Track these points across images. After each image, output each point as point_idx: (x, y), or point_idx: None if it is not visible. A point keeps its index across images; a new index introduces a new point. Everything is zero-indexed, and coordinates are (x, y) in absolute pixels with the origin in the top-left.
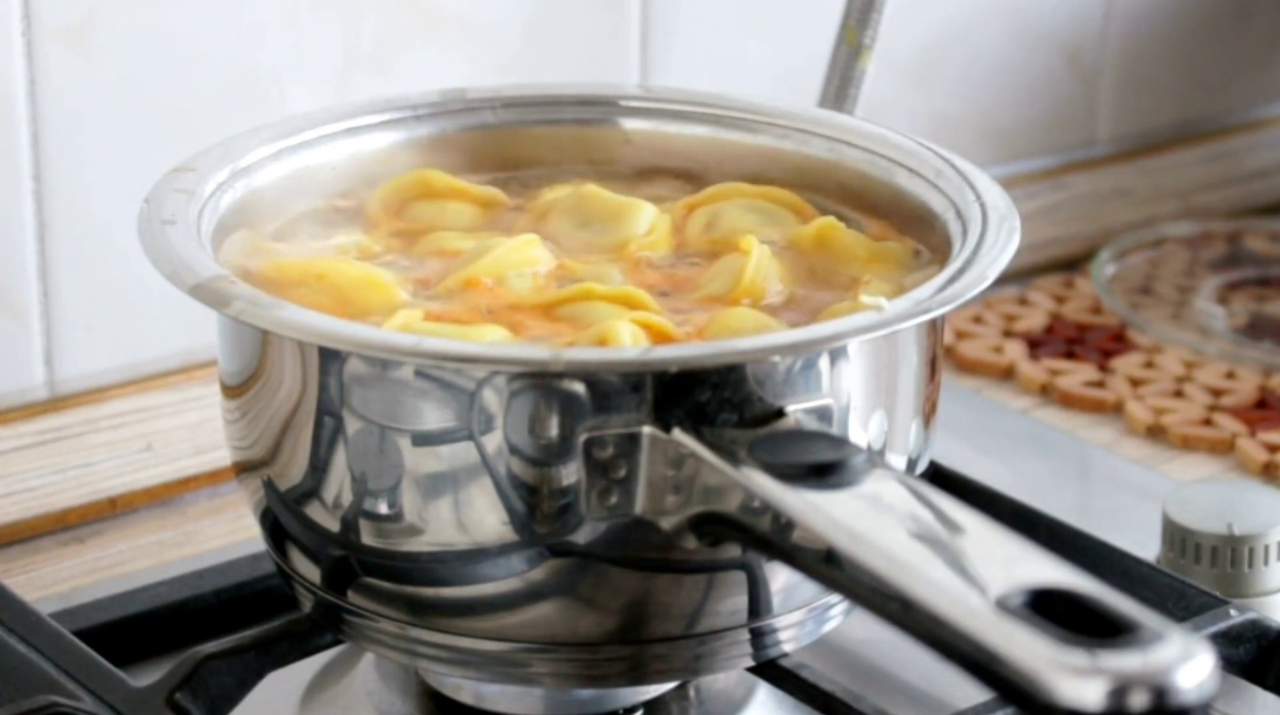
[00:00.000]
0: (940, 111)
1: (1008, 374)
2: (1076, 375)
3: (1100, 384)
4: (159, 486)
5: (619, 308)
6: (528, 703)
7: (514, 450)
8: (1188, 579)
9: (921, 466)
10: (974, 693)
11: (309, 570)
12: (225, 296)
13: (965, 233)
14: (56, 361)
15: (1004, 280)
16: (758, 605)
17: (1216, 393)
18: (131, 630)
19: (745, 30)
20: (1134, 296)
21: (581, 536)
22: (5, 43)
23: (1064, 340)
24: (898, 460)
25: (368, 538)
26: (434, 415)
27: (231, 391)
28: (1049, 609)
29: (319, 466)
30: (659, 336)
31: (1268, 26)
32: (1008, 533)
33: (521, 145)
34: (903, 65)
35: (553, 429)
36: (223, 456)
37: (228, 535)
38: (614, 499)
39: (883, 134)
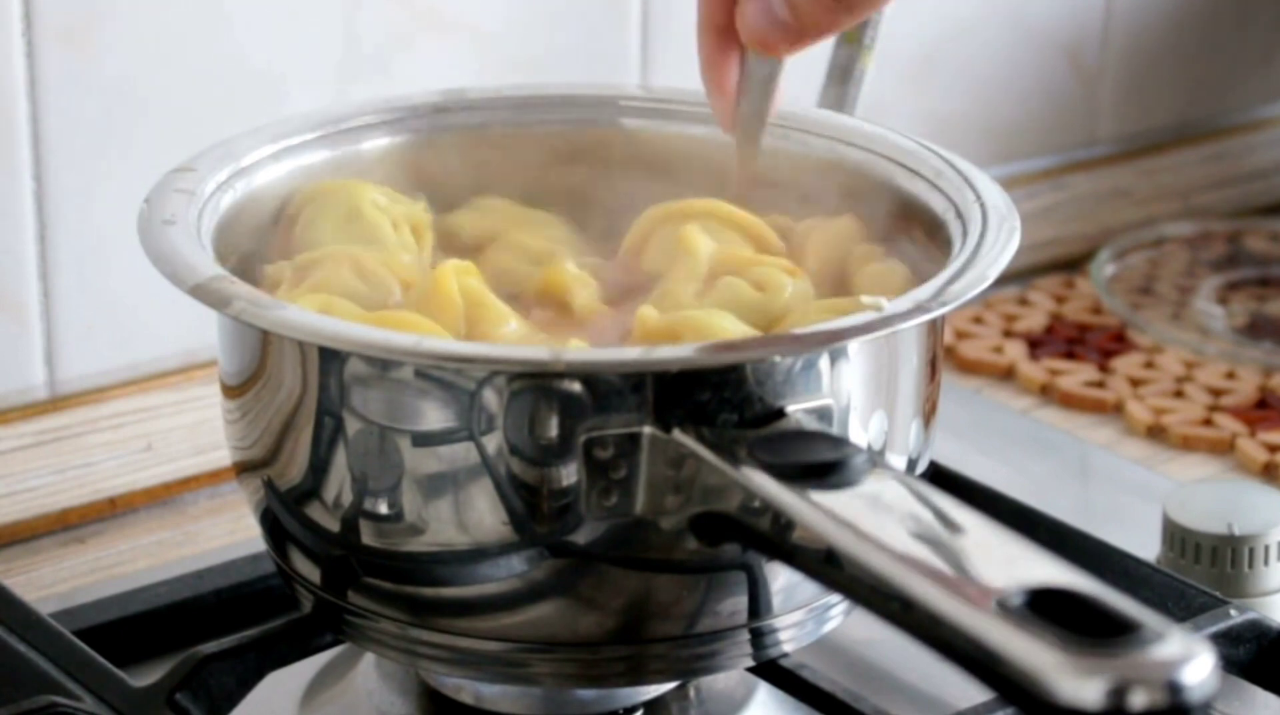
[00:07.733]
0: (940, 111)
1: (1008, 374)
2: (1076, 375)
3: (1100, 384)
4: (159, 486)
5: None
6: (527, 703)
7: (514, 450)
8: (1188, 579)
9: (921, 466)
10: (974, 693)
11: (309, 570)
12: (225, 296)
13: (965, 233)
14: (56, 361)
15: (1004, 280)
16: (758, 605)
17: (1216, 393)
18: (131, 630)
19: None
20: (1134, 296)
21: (581, 536)
22: (5, 43)
23: (1064, 340)
24: (898, 460)
25: (368, 538)
26: (434, 415)
27: (232, 392)
28: (1049, 609)
29: (319, 466)
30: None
31: (1268, 27)
32: (1008, 533)
33: (521, 145)
34: (903, 65)
35: (553, 429)
36: (223, 456)
37: (228, 535)
38: (614, 499)
39: (883, 134)
